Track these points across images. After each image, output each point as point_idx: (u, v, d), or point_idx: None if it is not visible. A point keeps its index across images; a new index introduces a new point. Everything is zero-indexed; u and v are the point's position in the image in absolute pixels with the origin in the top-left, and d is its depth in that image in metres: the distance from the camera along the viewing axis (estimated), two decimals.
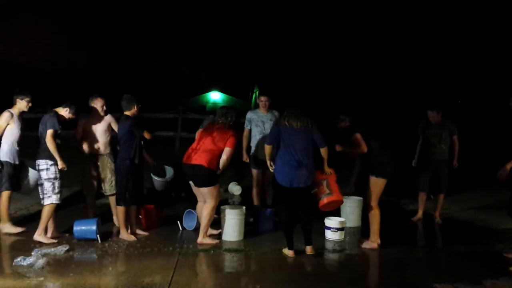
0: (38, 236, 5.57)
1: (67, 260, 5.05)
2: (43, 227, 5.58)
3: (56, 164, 5.52)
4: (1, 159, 5.85)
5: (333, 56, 13.49)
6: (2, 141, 5.88)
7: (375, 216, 5.48)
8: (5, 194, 5.92)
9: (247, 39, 14.29)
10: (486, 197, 7.90)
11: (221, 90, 14.78)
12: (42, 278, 4.50)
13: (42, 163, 5.53)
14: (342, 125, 5.70)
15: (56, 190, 5.53)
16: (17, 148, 5.93)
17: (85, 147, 6.21)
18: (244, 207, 6.06)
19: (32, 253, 5.02)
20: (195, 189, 5.76)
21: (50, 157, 5.50)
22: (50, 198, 5.52)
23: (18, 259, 4.85)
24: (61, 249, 5.26)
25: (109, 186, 6.21)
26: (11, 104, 5.94)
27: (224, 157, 5.51)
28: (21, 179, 6.02)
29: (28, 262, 4.78)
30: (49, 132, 5.46)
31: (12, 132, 5.88)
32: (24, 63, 13.47)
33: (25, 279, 4.48)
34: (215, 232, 6.00)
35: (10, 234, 5.86)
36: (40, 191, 5.60)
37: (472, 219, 7.06)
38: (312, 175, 5.23)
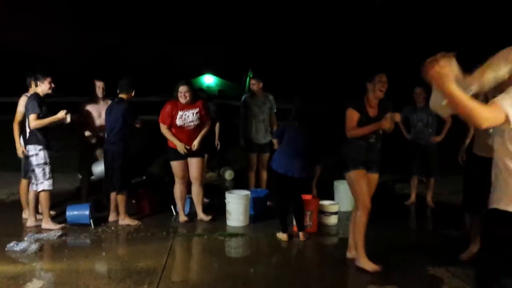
0: (45, 224, 5.51)
1: (60, 245, 5.04)
2: (47, 215, 5.50)
3: (45, 148, 5.38)
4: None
5: (326, 40, 13.41)
6: (27, 128, 5.61)
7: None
8: (24, 182, 5.82)
9: (241, 22, 14.15)
10: None
11: (215, 74, 14.66)
12: (35, 263, 4.49)
13: (31, 149, 5.37)
14: None
15: (47, 176, 5.40)
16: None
17: (86, 131, 6.17)
18: (249, 192, 6.05)
19: (25, 238, 5.01)
20: None
21: (39, 142, 5.35)
22: (42, 184, 5.40)
23: (11, 244, 4.82)
24: (54, 234, 5.25)
25: None
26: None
27: None
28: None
29: (21, 247, 4.76)
30: (31, 117, 5.27)
31: None
32: (15, 46, 13.24)
33: (18, 264, 4.46)
34: (204, 217, 5.95)
35: (9, 220, 5.83)
36: (32, 177, 5.49)
37: None
38: (307, 168, 5.26)
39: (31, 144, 5.39)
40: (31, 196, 5.56)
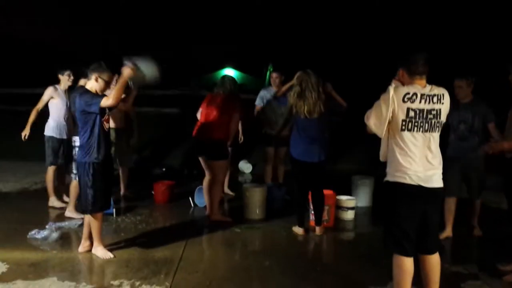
0: (68, 212, 5.65)
1: (80, 234, 5.12)
2: (73, 203, 5.61)
3: None
4: (46, 134, 5.86)
5: (345, 34, 13.26)
6: (50, 117, 5.90)
7: None
8: (50, 169, 5.98)
9: (261, 15, 14.10)
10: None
11: (235, 67, 14.66)
12: (55, 251, 4.59)
13: (77, 140, 5.40)
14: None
15: None
16: (65, 123, 5.93)
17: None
18: (266, 186, 6.08)
19: (47, 227, 5.12)
20: (205, 165, 5.74)
21: None
22: None
23: (33, 232, 4.94)
24: (75, 223, 5.35)
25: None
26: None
27: (232, 125, 5.58)
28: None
29: (42, 235, 4.87)
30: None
31: (57, 107, 5.89)
32: (44, 41, 13.39)
33: (39, 252, 4.57)
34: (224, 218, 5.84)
35: (32, 208, 5.96)
36: (74, 166, 5.48)
37: (489, 201, 6.76)
38: (325, 151, 5.20)
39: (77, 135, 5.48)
40: (73, 185, 5.56)
